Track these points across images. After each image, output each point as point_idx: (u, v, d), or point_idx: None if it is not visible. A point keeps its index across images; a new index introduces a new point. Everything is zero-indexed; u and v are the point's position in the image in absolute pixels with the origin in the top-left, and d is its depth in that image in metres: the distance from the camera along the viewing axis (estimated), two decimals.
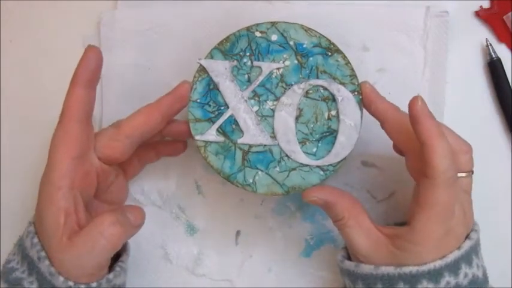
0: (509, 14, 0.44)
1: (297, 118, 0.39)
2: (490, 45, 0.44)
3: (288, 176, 0.39)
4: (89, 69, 0.36)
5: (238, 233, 0.45)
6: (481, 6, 0.45)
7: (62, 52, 0.47)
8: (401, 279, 0.34)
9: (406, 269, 0.34)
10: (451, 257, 0.34)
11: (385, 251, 0.36)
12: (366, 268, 0.36)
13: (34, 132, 0.47)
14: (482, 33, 0.45)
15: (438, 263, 0.34)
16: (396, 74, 0.44)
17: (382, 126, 0.38)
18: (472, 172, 0.37)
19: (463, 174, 0.37)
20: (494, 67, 0.44)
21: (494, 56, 0.44)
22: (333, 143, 0.39)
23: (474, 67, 0.45)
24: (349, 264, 0.37)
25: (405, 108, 0.35)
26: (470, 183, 0.37)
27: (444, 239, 0.34)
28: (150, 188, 0.46)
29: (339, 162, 0.39)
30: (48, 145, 0.45)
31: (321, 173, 0.39)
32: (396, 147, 0.40)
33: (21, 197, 0.46)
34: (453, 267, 0.34)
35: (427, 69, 0.43)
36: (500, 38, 0.45)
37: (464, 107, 0.45)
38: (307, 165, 0.39)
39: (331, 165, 0.39)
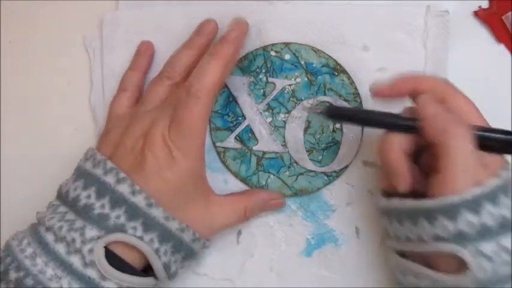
0: (509, 14, 0.44)
1: (305, 129, 0.44)
2: None
3: (296, 180, 0.44)
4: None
5: (239, 232, 0.45)
6: (480, 7, 0.44)
7: (62, 52, 0.46)
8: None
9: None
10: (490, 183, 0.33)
11: None
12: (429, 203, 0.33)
13: (34, 132, 0.46)
14: (482, 34, 0.45)
15: (475, 190, 0.32)
16: (396, 74, 0.44)
17: None
18: None
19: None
20: None
21: None
22: (336, 153, 0.43)
23: (474, 67, 0.45)
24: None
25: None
26: None
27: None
28: None
29: (341, 169, 0.44)
30: (47, 145, 0.45)
31: (325, 178, 0.44)
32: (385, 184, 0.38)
33: (21, 197, 0.46)
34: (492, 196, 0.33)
35: (427, 68, 0.43)
36: (500, 39, 0.45)
37: None
38: (313, 171, 0.44)
39: (334, 171, 0.44)
